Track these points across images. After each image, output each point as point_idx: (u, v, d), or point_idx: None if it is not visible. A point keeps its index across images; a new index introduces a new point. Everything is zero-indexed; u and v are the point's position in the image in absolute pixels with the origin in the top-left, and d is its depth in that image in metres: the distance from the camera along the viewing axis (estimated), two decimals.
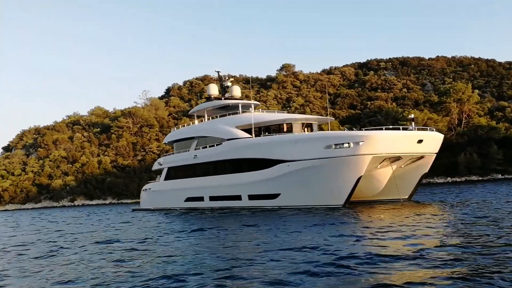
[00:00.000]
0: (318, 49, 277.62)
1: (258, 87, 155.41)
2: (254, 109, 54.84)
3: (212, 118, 55.53)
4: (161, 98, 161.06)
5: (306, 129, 47.31)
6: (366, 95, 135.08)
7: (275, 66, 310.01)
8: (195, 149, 54.21)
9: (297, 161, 41.22)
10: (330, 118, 53.57)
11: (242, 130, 47.89)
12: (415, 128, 40.16)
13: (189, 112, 62.13)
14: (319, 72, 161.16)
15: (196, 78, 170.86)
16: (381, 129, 39.56)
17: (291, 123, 46.98)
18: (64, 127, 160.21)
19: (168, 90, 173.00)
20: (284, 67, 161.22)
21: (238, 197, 47.98)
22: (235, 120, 50.09)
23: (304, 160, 40.63)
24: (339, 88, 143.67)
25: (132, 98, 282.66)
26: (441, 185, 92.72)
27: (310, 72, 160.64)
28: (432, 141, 40.19)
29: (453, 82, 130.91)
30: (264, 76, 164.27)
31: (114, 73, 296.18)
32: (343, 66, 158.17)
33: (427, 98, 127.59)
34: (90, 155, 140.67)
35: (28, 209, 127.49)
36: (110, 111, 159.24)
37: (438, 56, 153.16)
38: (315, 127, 49.01)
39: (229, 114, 52.36)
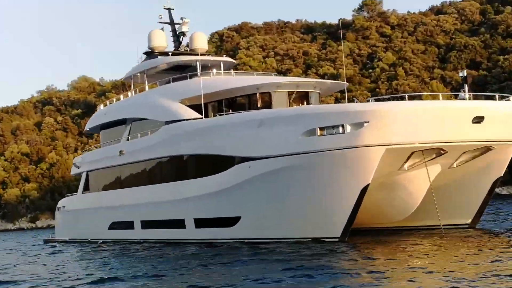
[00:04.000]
0: None
1: (324, 38, 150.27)
2: (227, 70, 55.97)
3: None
4: None
5: (297, 102, 46.15)
6: (497, 45, 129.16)
7: (351, 4, 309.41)
8: (127, 140, 55.92)
9: (262, 159, 40.45)
10: (342, 83, 53.84)
11: (190, 106, 47.66)
12: (469, 95, 38.30)
13: (123, 78, 65.56)
14: (422, 11, 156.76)
15: (229, 28, 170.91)
16: (403, 98, 39.36)
17: (268, 92, 46.38)
18: (30, 109, 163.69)
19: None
20: (365, 6, 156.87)
21: (181, 223, 48.18)
22: (180, 90, 50.60)
23: (272, 158, 39.73)
24: (454, 36, 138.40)
25: (128, 64, 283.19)
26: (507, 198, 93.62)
27: (408, 12, 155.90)
28: (504, 119, 37.52)
29: None
30: (334, 21, 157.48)
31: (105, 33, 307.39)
32: (462, 0, 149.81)
33: None
34: (64, 150, 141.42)
35: None
36: (98, 82, 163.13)
37: None
38: (314, 99, 47.96)
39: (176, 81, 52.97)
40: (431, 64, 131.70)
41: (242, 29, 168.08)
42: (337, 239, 38.09)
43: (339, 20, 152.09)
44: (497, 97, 39.08)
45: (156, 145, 50.30)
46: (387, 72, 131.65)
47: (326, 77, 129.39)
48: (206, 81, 48.65)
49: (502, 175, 40.84)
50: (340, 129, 36.70)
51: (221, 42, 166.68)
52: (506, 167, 40.47)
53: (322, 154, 37.69)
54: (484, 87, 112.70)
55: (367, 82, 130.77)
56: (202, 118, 46.57)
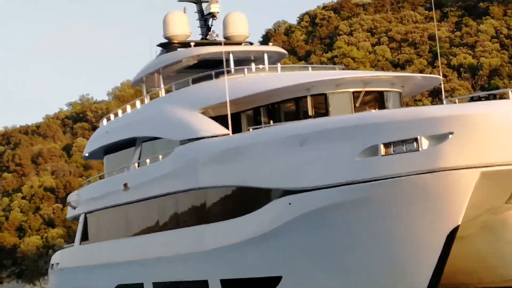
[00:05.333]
0: None
1: (459, 14, 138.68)
2: (275, 63, 53.74)
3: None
4: None
5: (367, 107, 44.03)
6: None
7: None
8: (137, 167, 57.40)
9: (305, 192, 37.91)
10: (435, 77, 51.80)
11: (216, 118, 46.20)
12: None
13: (132, 82, 66.52)
14: None
15: (324, 7, 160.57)
16: (505, 96, 37.06)
17: (324, 94, 43.84)
18: (57, 128, 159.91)
19: (266, 39, 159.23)
20: None
21: (204, 286, 46.17)
22: (200, 95, 49.29)
23: (319, 190, 37.22)
24: None
25: None
26: None
27: None
28: None
29: None
30: None
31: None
32: None
33: None
34: None
35: None
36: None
37: None
38: (392, 101, 45.67)
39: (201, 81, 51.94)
40: None
41: (342, 8, 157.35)
42: None
43: None
44: None
45: (168, 175, 48.64)
46: None
47: (461, 68, 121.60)
48: (237, 81, 47.28)
49: None
50: (414, 145, 33.97)
51: (313, 26, 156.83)
52: None
53: (387, 182, 34.67)
54: None
55: None
56: (229, 134, 45.12)
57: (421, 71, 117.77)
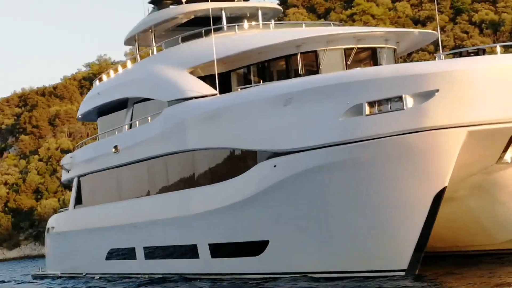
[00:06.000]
0: None
1: None
2: (268, 20, 53.72)
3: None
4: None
5: (360, 64, 42.81)
6: None
7: None
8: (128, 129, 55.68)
9: (290, 154, 37.15)
10: (431, 33, 49.23)
11: (205, 77, 45.18)
12: None
13: (124, 40, 58.95)
14: None
15: None
16: (491, 51, 36.98)
17: (315, 51, 42.38)
18: (74, 89, 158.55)
19: None
20: None
21: (193, 251, 44.94)
22: (189, 53, 48.01)
23: (304, 152, 36.18)
24: None
25: None
26: None
27: None
28: None
29: None
30: None
31: None
32: None
33: None
34: None
35: None
36: None
37: None
38: (386, 58, 43.54)
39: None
40: None
41: None
42: (403, 273, 33.19)
43: None
44: None
45: (157, 137, 47.70)
46: None
47: (483, 24, 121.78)
48: (227, 39, 46.59)
49: None
50: (399, 104, 32.56)
51: None
52: None
53: (371, 143, 33.32)
54: None
55: None
56: (216, 94, 43.88)
57: (442, 28, 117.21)
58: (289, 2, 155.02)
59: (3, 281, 68.80)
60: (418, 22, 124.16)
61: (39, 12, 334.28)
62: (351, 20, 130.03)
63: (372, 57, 42.92)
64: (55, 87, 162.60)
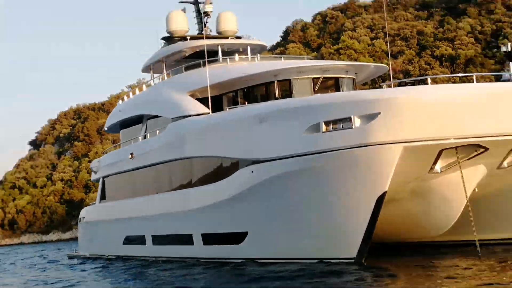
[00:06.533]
0: None
1: (442, 14, 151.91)
2: (256, 54, 55.82)
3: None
4: (273, 49, 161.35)
5: (325, 91, 44.55)
6: None
7: None
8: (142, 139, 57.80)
9: (263, 162, 39.97)
10: (383, 66, 52.44)
11: (202, 99, 47.84)
12: None
13: (142, 68, 63.73)
14: None
15: (333, 8, 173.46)
16: (425, 82, 37.75)
17: (289, 80, 45.32)
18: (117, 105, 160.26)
19: (286, 34, 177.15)
20: None
21: (189, 239, 48.17)
22: (189, 80, 50.94)
23: (273, 161, 39.21)
24: None
25: None
26: None
27: None
28: None
29: None
30: None
31: None
32: None
33: None
34: None
35: (52, 241, 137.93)
36: None
37: None
38: (346, 86, 47.00)
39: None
40: None
41: (348, 9, 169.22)
42: (352, 260, 36.33)
43: None
44: None
45: (163, 146, 50.67)
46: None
47: (443, 58, 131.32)
48: (219, 69, 48.98)
49: None
50: (348, 124, 35.09)
51: (324, 24, 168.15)
52: None
53: (327, 155, 36.09)
54: None
55: (491, 63, 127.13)
56: (209, 113, 46.19)
57: (410, 60, 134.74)
58: (289, 38, 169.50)
59: (45, 258, 78.04)
60: (391, 56, 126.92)
61: (94, 39, 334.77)
62: (337, 53, 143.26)
63: (335, 85, 46.06)
64: (103, 104, 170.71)
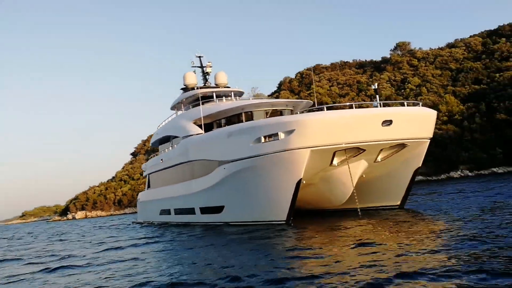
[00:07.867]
0: (441, 18, 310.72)
1: (371, 70, 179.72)
2: (238, 97, 62.97)
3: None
4: (272, 94, 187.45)
5: (274, 117, 47.40)
6: (494, 66, 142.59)
7: (389, 45, 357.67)
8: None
9: (230, 162, 44.89)
10: (309, 101, 56.23)
11: (201, 125, 53.88)
12: (380, 103, 39.76)
13: (171, 107, 69.61)
14: (440, 47, 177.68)
15: (307, 69, 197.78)
16: (322, 109, 39.89)
17: (251, 112, 50.60)
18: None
19: (280, 85, 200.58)
20: (399, 46, 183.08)
21: (193, 211, 55.65)
22: (193, 113, 56.64)
23: (235, 161, 43.92)
24: (462, 62, 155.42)
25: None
26: (425, 184, 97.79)
27: (430, 49, 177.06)
28: (412, 121, 39.69)
29: None
30: (378, 58, 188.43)
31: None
32: (469, 37, 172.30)
33: None
34: None
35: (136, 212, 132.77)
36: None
37: None
38: (286, 115, 51.48)
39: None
40: (446, 83, 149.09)
41: (315, 69, 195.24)
42: (283, 222, 41.04)
43: (381, 57, 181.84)
44: (405, 104, 40.89)
45: (177, 154, 56.55)
46: (414, 91, 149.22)
47: (372, 97, 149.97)
48: (210, 106, 53.63)
49: (420, 165, 42.79)
50: (277, 137, 39.60)
51: (302, 78, 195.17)
52: (422, 159, 42.33)
53: (265, 157, 40.77)
54: (484, 98, 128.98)
55: (400, 98, 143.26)
56: (202, 133, 51.08)
57: (352, 98, 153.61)
58: (282, 87, 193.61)
59: (114, 224, 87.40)
60: (341, 96, 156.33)
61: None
62: (309, 95, 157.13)
63: (280, 114, 50.37)
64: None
